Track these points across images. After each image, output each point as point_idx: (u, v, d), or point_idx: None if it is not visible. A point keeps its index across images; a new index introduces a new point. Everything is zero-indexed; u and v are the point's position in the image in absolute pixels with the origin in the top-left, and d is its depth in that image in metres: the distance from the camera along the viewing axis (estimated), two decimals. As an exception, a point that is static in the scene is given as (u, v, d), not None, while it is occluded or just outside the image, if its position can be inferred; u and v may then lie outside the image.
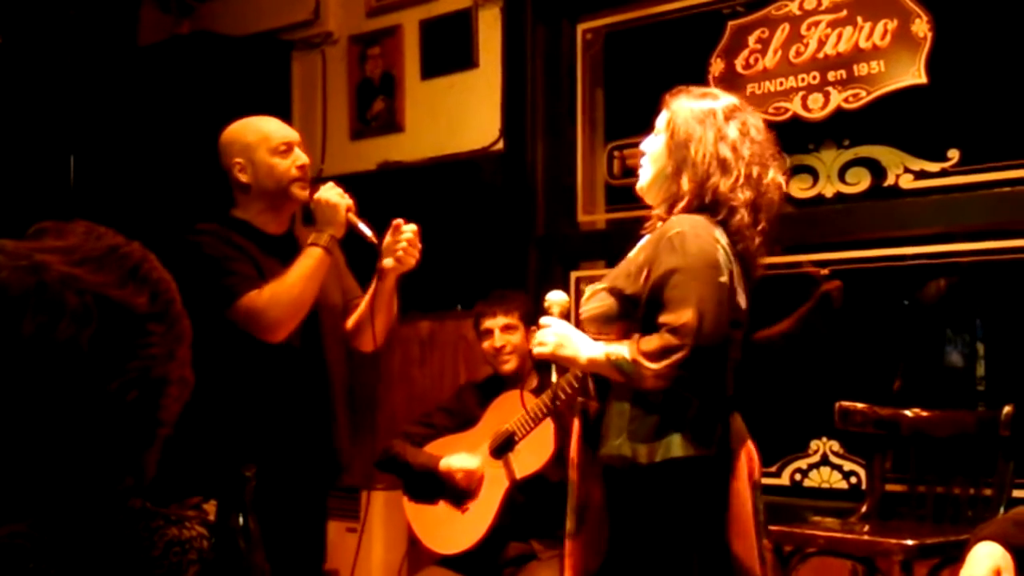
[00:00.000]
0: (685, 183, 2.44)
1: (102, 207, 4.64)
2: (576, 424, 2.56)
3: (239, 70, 4.92)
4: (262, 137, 2.96)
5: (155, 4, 5.29)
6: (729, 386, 2.46)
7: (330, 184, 2.94)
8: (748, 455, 2.46)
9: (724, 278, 2.34)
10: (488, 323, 3.73)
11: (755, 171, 2.45)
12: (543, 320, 2.55)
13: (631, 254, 2.52)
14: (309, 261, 2.82)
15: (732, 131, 2.45)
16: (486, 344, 3.74)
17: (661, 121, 2.54)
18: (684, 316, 2.29)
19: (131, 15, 5.28)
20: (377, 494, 4.44)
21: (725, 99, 2.52)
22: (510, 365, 3.70)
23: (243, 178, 2.94)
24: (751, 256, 2.47)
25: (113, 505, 1.17)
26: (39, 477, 1.13)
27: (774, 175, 2.49)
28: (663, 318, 2.32)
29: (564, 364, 2.55)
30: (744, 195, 2.43)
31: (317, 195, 2.88)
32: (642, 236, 2.56)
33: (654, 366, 2.30)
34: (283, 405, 2.87)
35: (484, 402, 3.75)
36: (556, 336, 2.50)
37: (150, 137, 4.83)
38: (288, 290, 2.78)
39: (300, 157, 2.97)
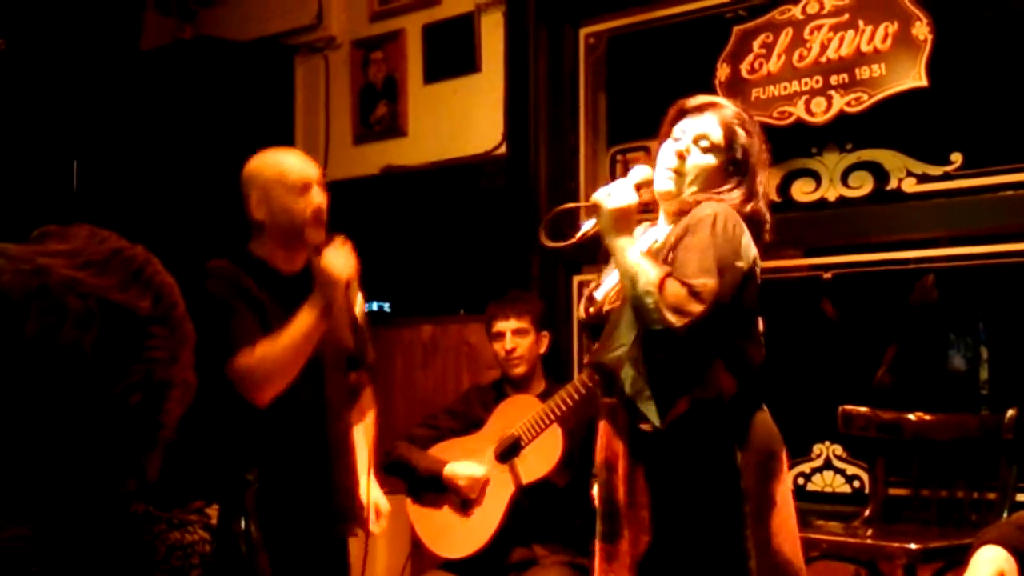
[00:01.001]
0: (729, 188, 2.47)
1: (105, 212, 4.64)
2: (605, 427, 2.53)
3: (242, 75, 4.93)
4: (279, 174, 2.90)
5: (158, 9, 5.29)
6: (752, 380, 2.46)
7: (338, 244, 2.84)
8: (787, 460, 2.48)
9: (743, 263, 2.36)
10: (500, 325, 3.71)
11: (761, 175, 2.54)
12: (618, 181, 2.51)
13: (655, 243, 2.51)
14: (301, 326, 2.73)
15: (757, 137, 2.54)
16: (496, 346, 3.73)
17: (713, 128, 2.52)
18: (709, 282, 2.29)
19: (134, 20, 5.28)
20: (380, 498, 4.44)
21: (735, 105, 2.60)
22: (519, 369, 3.69)
23: (258, 215, 2.89)
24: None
25: (116, 509, 1.17)
26: (42, 480, 1.13)
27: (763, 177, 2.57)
28: (690, 279, 2.31)
29: (602, 223, 2.46)
30: (756, 193, 2.50)
31: (324, 258, 2.79)
32: (656, 218, 2.57)
33: (672, 318, 2.28)
34: (280, 427, 2.82)
35: (490, 405, 3.74)
36: (618, 195, 2.45)
37: (153, 142, 4.83)
38: (276, 354, 2.71)
39: (316, 197, 2.91)
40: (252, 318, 2.77)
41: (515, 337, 3.68)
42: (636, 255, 2.37)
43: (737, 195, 2.46)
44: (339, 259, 2.78)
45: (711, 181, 2.49)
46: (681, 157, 2.51)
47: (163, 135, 4.80)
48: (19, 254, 1.14)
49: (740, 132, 2.50)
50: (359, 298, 2.87)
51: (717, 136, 2.51)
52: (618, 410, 2.46)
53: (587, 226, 2.55)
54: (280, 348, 2.72)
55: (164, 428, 1.18)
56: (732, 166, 2.49)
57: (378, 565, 4.40)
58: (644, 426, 2.41)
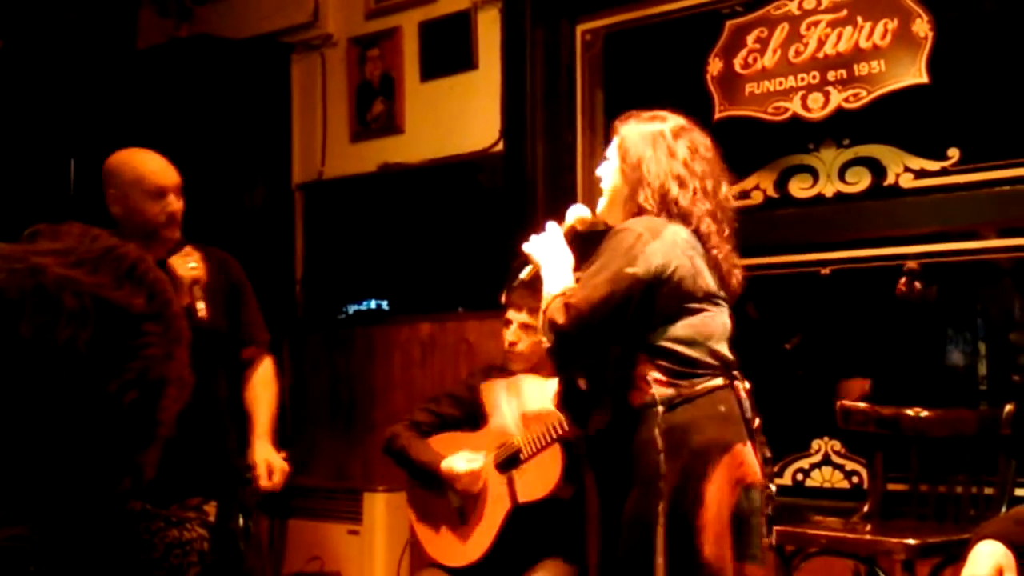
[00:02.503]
0: (646, 200, 2.55)
1: (102, 211, 4.64)
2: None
3: (238, 73, 4.92)
4: (138, 177, 3.02)
5: (154, 7, 5.29)
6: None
7: (186, 251, 3.01)
8: (734, 460, 2.47)
9: (637, 269, 2.42)
10: (511, 314, 3.60)
11: (709, 184, 2.57)
12: (548, 225, 2.66)
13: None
14: None
15: (682, 149, 2.57)
16: (504, 331, 3.65)
17: (612, 147, 2.65)
18: (580, 292, 2.44)
19: (130, 18, 5.28)
20: (378, 496, 4.45)
21: (673, 120, 2.63)
22: (517, 366, 3.64)
23: (114, 210, 3.02)
24: (724, 262, 2.57)
25: (113, 507, 1.17)
26: (38, 480, 1.13)
27: (726, 189, 2.61)
28: (569, 294, 2.45)
29: (535, 267, 2.64)
30: (704, 206, 2.54)
31: (170, 261, 2.94)
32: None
33: (548, 333, 2.46)
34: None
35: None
36: (545, 241, 2.62)
37: (150, 141, 4.79)
38: None
39: (172, 204, 3.03)
40: None
41: (520, 330, 3.59)
42: (550, 290, 2.52)
43: (649, 203, 2.54)
44: (184, 265, 2.93)
45: (615, 192, 2.63)
46: (600, 174, 2.68)
47: (160, 133, 4.78)
48: (12, 253, 1.14)
49: (636, 141, 2.59)
50: (200, 302, 2.96)
51: (612, 150, 2.64)
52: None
53: (524, 272, 2.71)
54: None
55: (161, 426, 1.18)
56: (629, 174, 2.58)
57: (376, 559, 4.41)
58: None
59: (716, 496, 2.42)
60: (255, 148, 4.96)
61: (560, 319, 2.41)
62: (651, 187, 2.53)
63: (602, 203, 2.67)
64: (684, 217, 2.52)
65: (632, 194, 2.56)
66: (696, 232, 2.52)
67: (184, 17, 5.23)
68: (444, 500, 3.61)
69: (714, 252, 2.53)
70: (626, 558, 2.44)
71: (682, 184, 2.53)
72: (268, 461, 3.12)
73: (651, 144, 2.56)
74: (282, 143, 5.09)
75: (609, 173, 2.64)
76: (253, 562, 2.72)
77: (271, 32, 5.09)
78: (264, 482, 3.09)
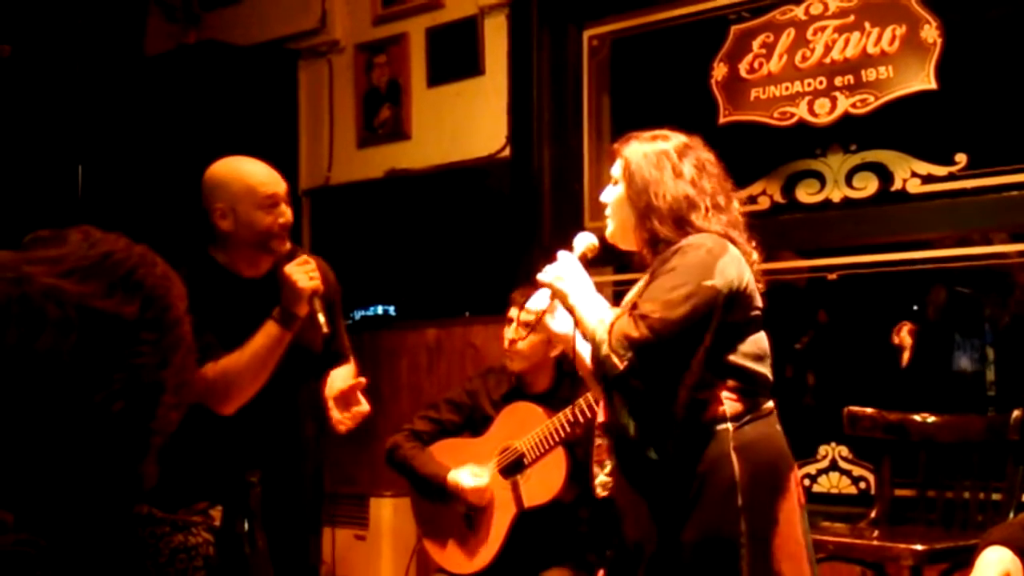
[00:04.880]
0: (661, 223, 2.46)
1: (110, 217, 4.65)
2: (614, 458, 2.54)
3: (246, 79, 4.93)
4: (248, 189, 2.85)
5: (162, 14, 5.31)
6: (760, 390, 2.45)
7: (303, 259, 2.80)
8: (796, 477, 2.44)
9: (716, 282, 2.34)
10: (512, 312, 3.58)
11: (721, 200, 2.50)
12: (560, 253, 2.55)
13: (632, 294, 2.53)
14: (265, 339, 2.73)
15: (688, 168, 2.50)
16: (504, 331, 3.64)
17: (616, 170, 2.57)
18: (657, 307, 2.30)
19: (138, 25, 5.29)
20: (385, 501, 4.44)
21: (676, 139, 2.56)
22: (515, 365, 3.63)
23: (223, 224, 2.84)
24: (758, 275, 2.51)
25: (116, 512, 1.17)
26: (36, 486, 1.13)
27: (736, 203, 2.55)
28: (642, 306, 2.33)
29: (557, 296, 2.51)
30: (719, 223, 2.47)
31: (287, 269, 2.75)
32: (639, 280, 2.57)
33: (617, 354, 2.29)
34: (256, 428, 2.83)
35: (499, 404, 3.66)
36: (562, 269, 2.50)
37: (158, 146, 4.84)
38: (239, 370, 2.72)
39: (285, 214, 2.87)
40: (209, 333, 2.70)
41: (521, 328, 3.61)
42: (595, 314, 2.40)
43: (662, 226, 2.45)
44: (302, 275, 2.76)
45: (624, 217, 2.53)
46: (606, 199, 2.59)
47: (167, 140, 4.81)
48: (4, 262, 1.15)
49: (641, 164, 2.51)
50: (320, 314, 2.80)
51: (617, 171, 2.56)
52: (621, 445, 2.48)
53: (543, 304, 2.56)
54: (244, 361, 2.72)
55: (156, 434, 1.17)
56: (636, 200, 2.50)
57: (382, 565, 4.41)
58: (650, 454, 2.42)
59: (788, 513, 2.38)
60: (262, 154, 4.94)
61: (638, 332, 2.28)
62: (661, 210, 2.46)
63: (611, 228, 2.59)
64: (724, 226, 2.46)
65: (642, 219, 2.49)
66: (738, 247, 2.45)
67: (192, 23, 5.25)
68: (449, 507, 3.61)
69: (754, 266, 2.47)
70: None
71: (692, 204, 2.46)
72: (344, 392, 2.91)
73: (656, 166, 2.50)
74: (289, 149, 5.10)
75: (615, 198, 2.57)
76: (257, 566, 2.71)
77: (279, 38, 5.10)
78: (340, 427, 2.93)
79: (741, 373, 2.39)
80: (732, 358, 2.39)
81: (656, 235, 2.47)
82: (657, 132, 2.60)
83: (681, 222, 2.45)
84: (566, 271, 2.50)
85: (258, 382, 2.74)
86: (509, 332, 3.60)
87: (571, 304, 2.46)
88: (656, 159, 2.50)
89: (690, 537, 2.35)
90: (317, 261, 2.89)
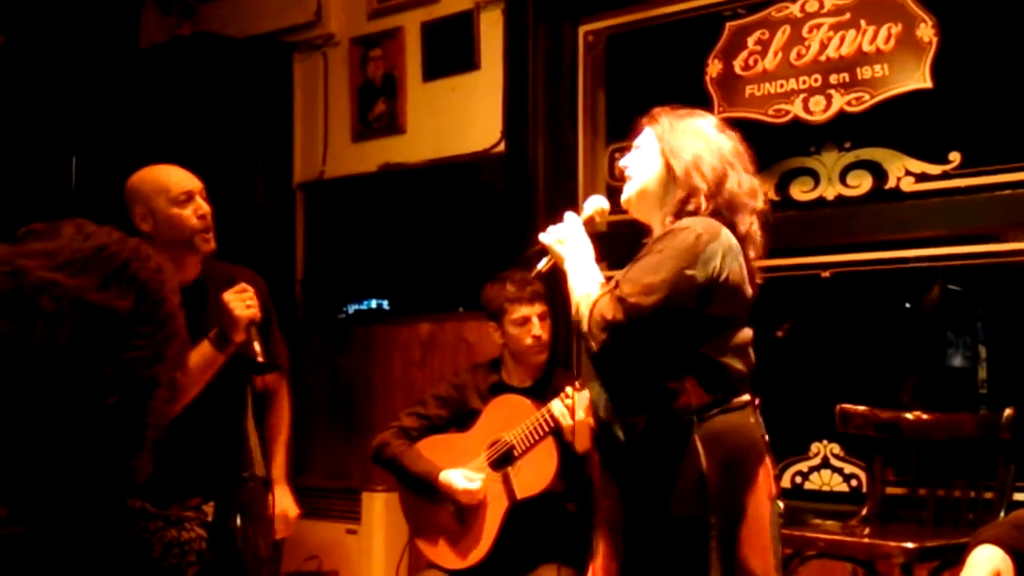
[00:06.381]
0: (706, 195, 2.43)
1: (104, 209, 4.63)
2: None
3: (240, 72, 4.92)
4: (161, 187, 2.94)
5: (156, 6, 5.29)
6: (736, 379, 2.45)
7: (241, 287, 2.84)
8: (767, 469, 2.43)
9: (696, 272, 2.33)
10: (525, 311, 3.57)
11: (756, 183, 2.51)
12: (567, 215, 2.54)
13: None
14: (198, 359, 2.77)
15: (727, 144, 2.50)
16: (517, 332, 3.58)
17: (648, 137, 2.54)
18: (636, 290, 2.30)
19: (132, 17, 5.28)
20: (377, 495, 4.44)
21: (709, 117, 2.58)
22: (544, 356, 3.62)
23: (144, 227, 2.91)
24: (754, 270, 2.48)
25: (110, 506, 1.17)
26: (28, 478, 1.13)
27: (763, 189, 2.54)
28: (622, 286, 2.33)
29: (555, 258, 2.51)
30: (751, 203, 2.46)
31: (226, 296, 2.81)
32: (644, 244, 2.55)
33: (596, 332, 2.31)
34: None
35: (486, 396, 3.65)
36: (564, 232, 2.49)
37: (152, 139, 4.83)
38: None
39: (201, 207, 2.94)
40: None
41: (542, 323, 3.57)
42: (584, 286, 2.40)
43: (700, 199, 2.43)
44: (239, 303, 2.80)
45: (650, 185, 2.51)
46: (625, 162, 2.57)
47: (162, 132, 4.80)
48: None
49: (682, 133, 2.50)
50: (256, 343, 2.84)
51: (651, 135, 2.54)
52: (598, 430, 2.49)
53: (541, 264, 2.56)
54: None
55: (150, 428, 1.17)
56: (680, 169, 2.47)
57: (374, 559, 4.41)
58: (617, 433, 2.43)
59: (757, 506, 2.37)
60: (257, 147, 4.96)
61: (613, 315, 2.28)
62: (707, 181, 2.42)
63: (631, 193, 2.54)
64: (735, 213, 2.44)
65: (673, 184, 2.46)
66: (737, 235, 2.43)
67: (186, 15, 5.23)
68: (440, 504, 3.61)
69: (751, 257, 2.46)
70: (674, 566, 2.37)
71: (735, 179, 2.45)
72: (285, 512, 3.20)
73: (698, 137, 2.48)
74: (284, 142, 5.09)
75: (645, 162, 2.52)
76: (249, 560, 2.71)
77: (273, 31, 5.09)
78: (281, 533, 3.19)
79: (713, 365, 2.39)
80: (705, 350, 2.39)
81: (682, 208, 2.44)
82: (691, 109, 2.59)
83: (722, 194, 2.43)
84: (568, 235, 2.49)
85: (188, 397, 2.74)
86: (536, 328, 3.57)
87: (565, 269, 2.47)
88: (695, 131, 2.50)
89: (658, 525, 2.37)
90: (251, 277, 2.96)
